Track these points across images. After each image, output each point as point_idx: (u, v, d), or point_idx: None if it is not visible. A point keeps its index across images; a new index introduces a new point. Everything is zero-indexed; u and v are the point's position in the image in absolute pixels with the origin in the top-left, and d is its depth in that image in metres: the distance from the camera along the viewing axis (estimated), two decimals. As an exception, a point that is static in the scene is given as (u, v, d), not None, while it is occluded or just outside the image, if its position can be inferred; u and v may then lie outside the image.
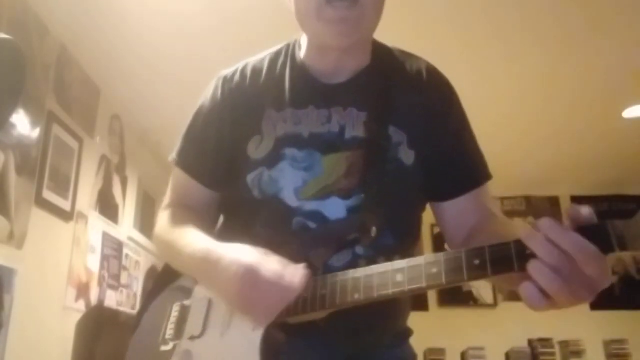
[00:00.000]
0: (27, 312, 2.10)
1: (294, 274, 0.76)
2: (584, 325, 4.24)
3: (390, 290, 0.71)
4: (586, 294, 0.60)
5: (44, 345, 2.25)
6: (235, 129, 0.96)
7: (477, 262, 0.65)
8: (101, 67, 2.78)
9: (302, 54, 0.99)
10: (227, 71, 1.03)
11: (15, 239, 2.06)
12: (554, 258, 0.59)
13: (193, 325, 0.89)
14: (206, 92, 1.03)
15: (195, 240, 0.88)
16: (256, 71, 1.00)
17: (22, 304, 2.06)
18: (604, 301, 4.43)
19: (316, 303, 0.77)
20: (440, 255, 0.69)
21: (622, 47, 2.66)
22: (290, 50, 1.01)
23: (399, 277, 0.71)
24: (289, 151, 0.91)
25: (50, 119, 2.35)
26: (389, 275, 0.72)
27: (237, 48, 2.63)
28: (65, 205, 2.47)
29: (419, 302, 4.20)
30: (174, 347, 0.89)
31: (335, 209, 0.87)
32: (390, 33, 1.02)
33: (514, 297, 4.37)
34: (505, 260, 0.63)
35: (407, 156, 0.91)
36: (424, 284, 0.69)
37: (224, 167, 0.96)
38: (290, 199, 0.88)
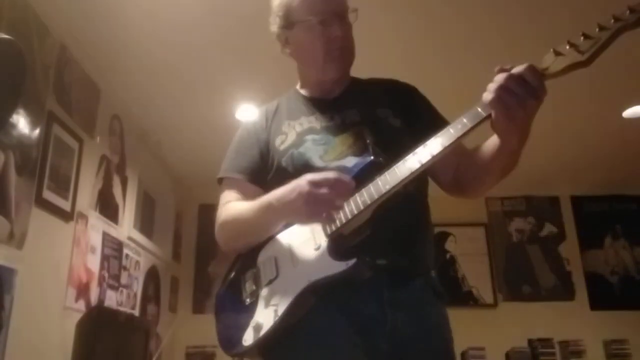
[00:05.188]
0: (27, 312, 2.10)
1: (342, 173, 1.03)
2: (584, 325, 4.25)
3: (409, 171, 0.98)
4: (533, 100, 0.93)
5: (44, 345, 2.25)
6: (265, 135, 1.27)
7: (459, 125, 0.97)
8: (101, 67, 2.78)
9: (302, 91, 1.35)
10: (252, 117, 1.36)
11: (15, 239, 2.06)
12: (503, 79, 0.92)
13: (267, 274, 1.11)
14: (237, 132, 1.36)
15: (258, 200, 1.14)
16: (271, 107, 1.34)
17: (22, 304, 2.06)
18: (604, 301, 4.45)
19: (359, 205, 1.01)
20: (434, 136, 0.99)
21: (622, 47, 2.65)
22: (292, 91, 1.38)
23: (412, 159, 1.00)
24: (309, 136, 1.21)
25: (50, 119, 2.35)
26: (404, 163, 1.00)
27: (237, 45, 2.65)
28: (65, 205, 2.47)
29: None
30: (257, 296, 1.10)
31: (354, 163, 1.11)
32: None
33: (514, 297, 4.40)
34: (475, 113, 0.96)
35: (395, 121, 1.22)
36: (429, 157, 0.98)
37: (261, 164, 1.25)
38: (317, 162, 1.15)
